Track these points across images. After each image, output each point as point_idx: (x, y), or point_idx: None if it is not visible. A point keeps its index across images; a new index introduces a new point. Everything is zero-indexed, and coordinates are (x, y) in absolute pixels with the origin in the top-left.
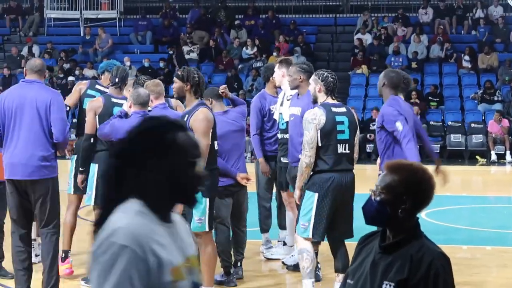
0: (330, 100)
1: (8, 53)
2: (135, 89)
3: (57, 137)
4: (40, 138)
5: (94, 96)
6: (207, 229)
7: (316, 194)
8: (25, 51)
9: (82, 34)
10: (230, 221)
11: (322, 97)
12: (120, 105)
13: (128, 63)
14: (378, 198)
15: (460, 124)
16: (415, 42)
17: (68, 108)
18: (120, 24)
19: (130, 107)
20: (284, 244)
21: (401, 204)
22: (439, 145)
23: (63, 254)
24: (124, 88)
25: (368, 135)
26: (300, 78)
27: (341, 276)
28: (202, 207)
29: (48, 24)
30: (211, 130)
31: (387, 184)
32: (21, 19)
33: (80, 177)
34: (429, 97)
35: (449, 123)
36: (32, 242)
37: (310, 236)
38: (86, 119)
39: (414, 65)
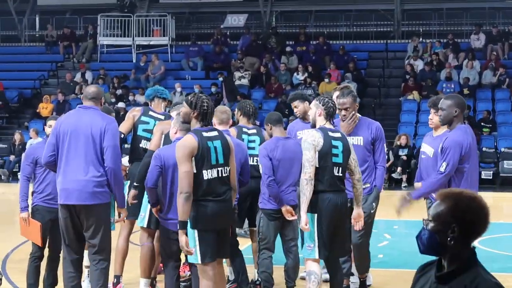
0: (328, 125)
1: (62, 79)
2: (179, 116)
3: (107, 163)
4: (95, 164)
5: (148, 123)
6: (199, 261)
7: (316, 215)
8: (78, 77)
9: (134, 61)
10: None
11: (321, 121)
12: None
13: (179, 89)
14: (428, 227)
15: None
16: (468, 68)
17: (122, 136)
18: (171, 51)
19: (175, 133)
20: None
21: (449, 233)
22: (492, 172)
23: (115, 280)
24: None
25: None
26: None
27: None
28: (191, 239)
29: (101, 51)
30: (194, 157)
31: (437, 213)
32: (75, 45)
33: (132, 192)
34: (482, 123)
35: (502, 149)
36: (85, 269)
37: (317, 256)
38: (153, 137)
39: (466, 91)
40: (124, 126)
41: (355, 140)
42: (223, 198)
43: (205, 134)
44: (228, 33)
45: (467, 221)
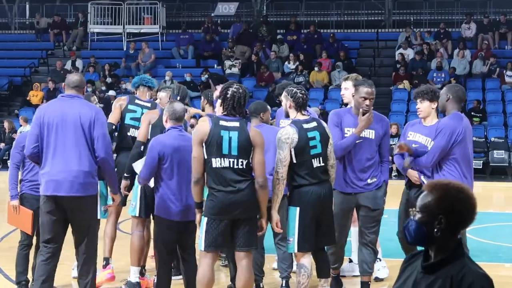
0: (300, 116)
1: (52, 67)
2: (171, 104)
3: (99, 153)
4: (86, 154)
5: (135, 111)
6: (201, 248)
7: (298, 208)
8: (69, 65)
9: (124, 49)
10: None
11: (292, 113)
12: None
13: (168, 77)
14: (416, 218)
15: (503, 140)
16: (459, 57)
17: (113, 126)
18: (162, 39)
19: (166, 121)
20: (350, 261)
21: (436, 224)
22: (481, 161)
23: (104, 262)
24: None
25: None
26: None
27: (323, 281)
28: (201, 225)
29: (91, 39)
30: (204, 143)
31: (424, 204)
32: (65, 33)
33: (124, 183)
34: (472, 113)
35: (492, 139)
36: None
37: (296, 250)
38: (140, 127)
39: (452, 80)
40: (113, 117)
41: (366, 133)
42: (235, 189)
43: (223, 122)
44: (219, 22)
45: (455, 212)
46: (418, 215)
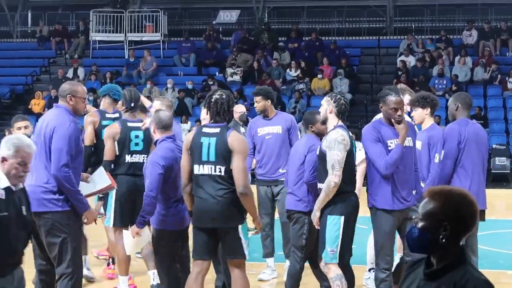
0: (342, 123)
1: (54, 75)
2: (156, 113)
3: (51, 170)
4: (42, 168)
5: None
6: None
7: (342, 217)
8: (70, 73)
9: (126, 57)
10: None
11: (333, 119)
12: (137, 128)
13: (170, 85)
14: (419, 226)
15: (505, 147)
16: (460, 64)
17: (92, 149)
18: (164, 47)
19: (154, 132)
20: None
21: (441, 231)
22: None
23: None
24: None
25: None
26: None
27: None
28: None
29: (93, 47)
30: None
31: (427, 211)
32: (67, 41)
33: (99, 204)
34: (473, 120)
35: (494, 146)
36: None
37: (338, 261)
38: (105, 147)
39: (454, 87)
40: (89, 138)
41: (406, 142)
42: (211, 197)
43: (205, 129)
44: (220, 29)
45: (460, 218)
46: (422, 223)
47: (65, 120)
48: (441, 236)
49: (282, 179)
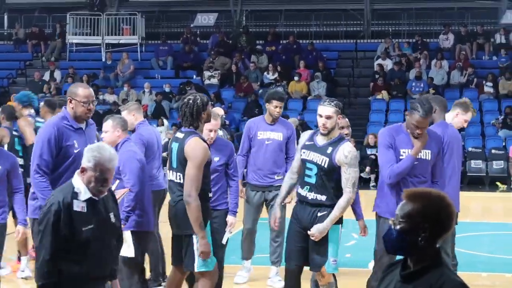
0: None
1: (30, 78)
2: (116, 117)
3: None
4: None
5: None
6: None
7: (340, 225)
8: (47, 76)
9: (103, 59)
10: None
11: (337, 128)
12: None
13: (147, 89)
14: (397, 227)
15: (480, 150)
16: (436, 67)
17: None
18: (141, 50)
19: (119, 136)
20: None
21: (420, 233)
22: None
23: None
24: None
25: None
26: None
27: None
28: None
29: (70, 49)
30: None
31: (406, 213)
32: (44, 44)
33: None
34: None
35: (470, 149)
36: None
37: (337, 271)
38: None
39: (431, 90)
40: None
41: (422, 154)
42: (172, 203)
43: (177, 134)
44: (198, 32)
45: (439, 220)
46: (401, 224)
47: (49, 123)
48: (419, 238)
49: (277, 185)
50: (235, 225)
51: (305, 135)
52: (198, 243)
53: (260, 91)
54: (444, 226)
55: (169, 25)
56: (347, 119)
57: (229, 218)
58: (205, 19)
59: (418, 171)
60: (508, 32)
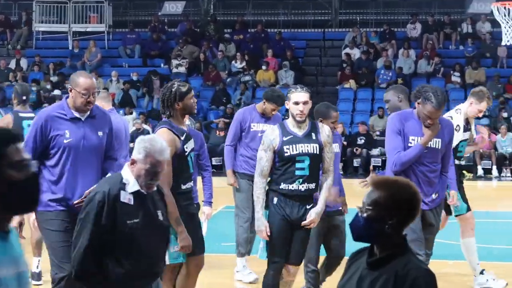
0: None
1: None
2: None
3: None
4: None
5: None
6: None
7: None
8: (13, 64)
9: (70, 48)
10: None
11: None
12: (29, 118)
13: (115, 77)
14: (364, 215)
15: None
16: (404, 56)
17: None
18: (108, 38)
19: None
20: (482, 273)
21: (388, 220)
22: None
23: None
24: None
25: (355, 149)
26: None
27: None
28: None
29: (36, 37)
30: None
31: (374, 200)
32: (10, 32)
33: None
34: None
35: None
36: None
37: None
38: None
39: (400, 80)
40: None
41: (432, 142)
42: None
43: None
44: (166, 21)
45: (406, 208)
46: (368, 212)
47: (41, 112)
48: (386, 226)
49: None
50: (211, 215)
51: (272, 133)
52: (178, 239)
53: (228, 79)
54: (411, 213)
55: (136, 13)
56: (338, 112)
57: (205, 209)
58: (173, 8)
59: (427, 159)
60: (475, 22)
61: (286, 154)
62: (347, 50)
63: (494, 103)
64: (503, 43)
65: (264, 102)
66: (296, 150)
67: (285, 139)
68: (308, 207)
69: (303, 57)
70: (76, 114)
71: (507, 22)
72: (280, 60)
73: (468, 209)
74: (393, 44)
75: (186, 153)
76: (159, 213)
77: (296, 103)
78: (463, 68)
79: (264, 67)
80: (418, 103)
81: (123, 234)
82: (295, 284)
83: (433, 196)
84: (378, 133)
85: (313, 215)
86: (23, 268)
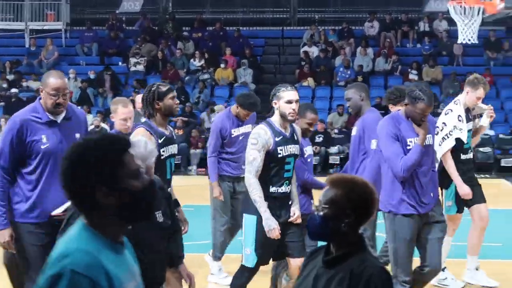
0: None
1: None
2: None
3: None
4: None
5: None
6: None
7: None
8: None
9: (27, 46)
10: None
11: None
12: None
13: (73, 75)
14: (321, 213)
15: None
16: (361, 55)
17: None
18: (66, 36)
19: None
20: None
21: (344, 218)
22: None
23: None
24: None
25: (314, 148)
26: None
27: None
28: None
29: None
30: None
31: (330, 199)
32: None
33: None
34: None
35: None
36: None
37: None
38: None
39: (360, 78)
40: None
41: (427, 140)
42: None
43: None
44: (124, 19)
45: (362, 206)
46: (324, 210)
47: (15, 116)
48: (343, 224)
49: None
50: None
51: (265, 133)
52: None
53: (187, 78)
54: (367, 212)
55: (94, 11)
56: (317, 116)
57: None
58: (131, 5)
59: (425, 158)
60: (432, 20)
61: (279, 155)
62: (306, 48)
63: (450, 100)
64: (459, 41)
65: (237, 107)
66: (287, 151)
67: (277, 139)
68: (290, 203)
69: (261, 55)
70: (51, 117)
71: (463, 21)
72: (238, 58)
73: (459, 211)
74: (351, 43)
75: (163, 157)
76: (158, 214)
77: (289, 102)
78: (421, 66)
79: (222, 65)
80: (406, 105)
81: None
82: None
83: (432, 194)
84: (336, 131)
85: (297, 211)
86: (139, 280)
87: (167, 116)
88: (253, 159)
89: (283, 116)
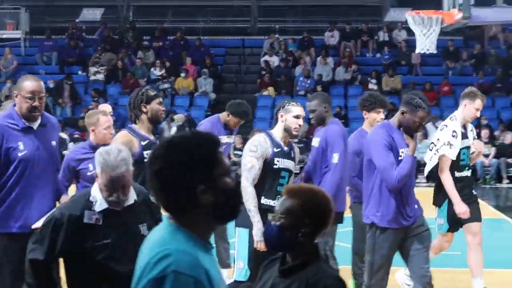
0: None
1: None
2: None
3: None
4: None
5: None
6: None
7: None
8: None
9: None
10: None
11: None
12: None
13: None
14: (277, 223)
15: None
16: (322, 64)
17: None
18: (25, 45)
19: None
20: None
21: (301, 228)
22: None
23: None
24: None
25: None
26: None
27: None
28: None
29: None
30: None
31: (286, 209)
32: None
33: None
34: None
35: None
36: None
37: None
38: None
39: (319, 88)
40: None
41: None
42: None
43: None
44: (84, 27)
45: (319, 217)
46: (281, 220)
47: None
48: (299, 234)
49: None
50: None
51: (265, 142)
52: None
53: (147, 87)
54: (324, 222)
55: (54, 20)
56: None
57: None
58: (91, 14)
59: (412, 170)
60: (391, 30)
61: (275, 166)
62: (266, 57)
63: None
64: (417, 51)
65: (228, 115)
66: (283, 164)
67: (275, 150)
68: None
69: (222, 65)
70: (28, 124)
71: (421, 31)
72: (199, 68)
73: (450, 229)
74: (311, 52)
75: (146, 159)
76: (142, 227)
77: (297, 117)
78: (380, 75)
79: (183, 75)
80: (404, 113)
81: (92, 257)
82: None
83: (415, 206)
84: (296, 140)
85: None
86: (225, 282)
87: (153, 122)
88: (251, 166)
89: (287, 130)
